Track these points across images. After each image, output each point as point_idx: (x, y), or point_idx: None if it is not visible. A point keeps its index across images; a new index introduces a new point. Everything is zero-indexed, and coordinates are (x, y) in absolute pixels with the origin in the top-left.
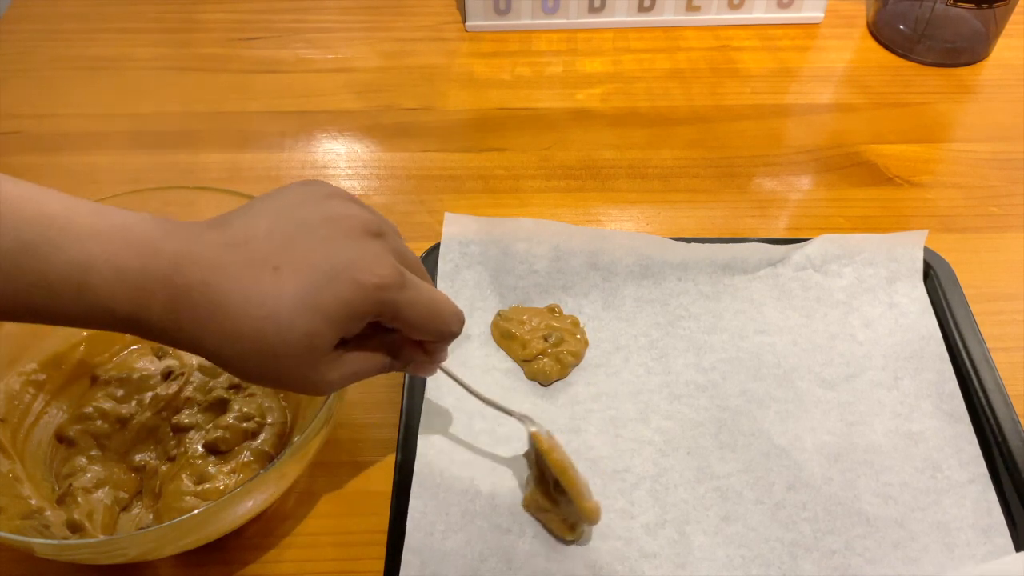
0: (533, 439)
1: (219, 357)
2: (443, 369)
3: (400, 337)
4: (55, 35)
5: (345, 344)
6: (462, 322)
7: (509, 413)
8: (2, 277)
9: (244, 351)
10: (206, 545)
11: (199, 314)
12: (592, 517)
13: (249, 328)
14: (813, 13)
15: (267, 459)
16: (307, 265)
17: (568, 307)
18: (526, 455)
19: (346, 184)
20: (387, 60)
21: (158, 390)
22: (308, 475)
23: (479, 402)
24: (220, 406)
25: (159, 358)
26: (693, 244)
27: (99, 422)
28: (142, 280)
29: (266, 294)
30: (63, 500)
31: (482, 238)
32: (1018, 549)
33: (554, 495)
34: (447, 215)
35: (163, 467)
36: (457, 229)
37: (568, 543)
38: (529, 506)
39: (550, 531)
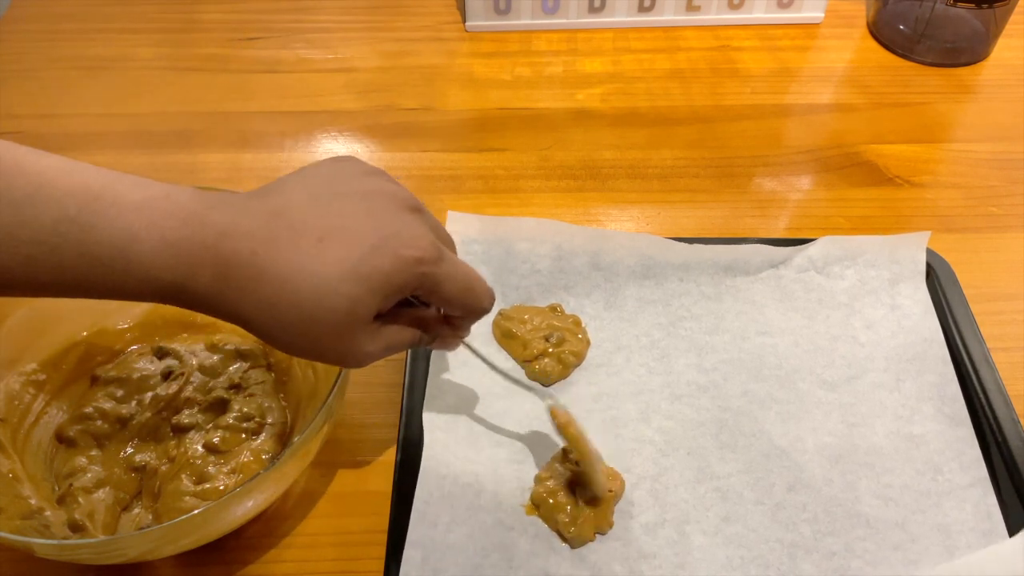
0: (550, 414)
1: (262, 327)
2: (466, 344)
3: (429, 313)
4: (55, 35)
5: (380, 318)
6: (493, 299)
7: (527, 388)
8: (48, 250)
9: (288, 320)
10: (206, 545)
11: (245, 283)
12: (604, 492)
13: (294, 296)
14: (813, 13)
15: (267, 459)
16: (351, 236)
17: (570, 307)
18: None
19: None
20: (387, 60)
21: (158, 390)
22: (308, 475)
23: (480, 403)
24: (220, 406)
25: (159, 358)
26: (695, 245)
27: (99, 422)
28: (189, 249)
29: (312, 263)
30: (63, 500)
31: (485, 237)
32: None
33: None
34: (450, 213)
35: (163, 467)
36: (460, 228)
37: (568, 542)
38: (540, 499)
39: (558, 530)
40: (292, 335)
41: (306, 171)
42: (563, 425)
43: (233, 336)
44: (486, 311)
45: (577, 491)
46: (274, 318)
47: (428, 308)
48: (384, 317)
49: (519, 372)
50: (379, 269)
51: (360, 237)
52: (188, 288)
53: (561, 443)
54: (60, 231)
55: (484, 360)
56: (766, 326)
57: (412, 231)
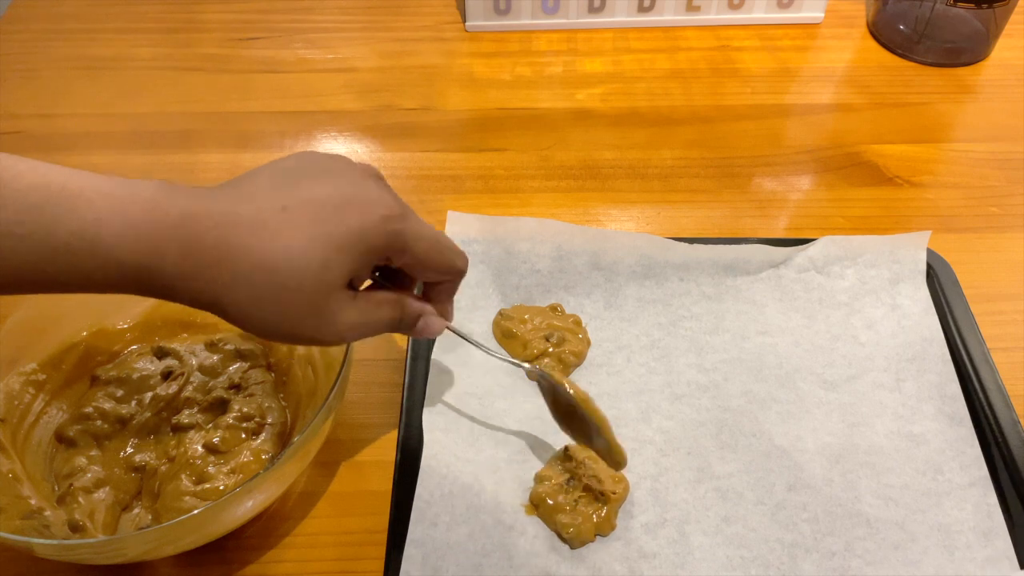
0: (547, 375)
1: (232, 305)
2: (450, 328)
3: (406, 293)
4: (55, 35)
5: (355, 292)
6: (466, 259)
7: (519, 365)
8: (14, 242)
9: (259, 294)
10: (206, 545)
11: (212, 259)
12: (621, 457)
13: (262, 265)
14: (813, 13)
15: (267, 459)
16: (313, 202)
17: (570, 307)
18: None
19: None
20: (387, 60)
21: (158, 390)
22: (308, 475)
23: (480, 403)
24: (220, 406)
25: (159, 358)
26: (695, 245)
27: (99, 422)
28: (153, 232)
29: (278, 230)
30: (63, 500)
31: (485, 237)
32: (1018, 550)
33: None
34: (450, 213)
35: (163, 467)
36: (460, 228)
37: (567, 542)
38: (539, 498)
39: (557, 531)
40: (265, 310)
41: (271, 163)
42: (559, 382)
43: (233, 336)
44: (462, 272)
45: (581, 485)
46: (246, 293)
47: (404, 288)
48: (359, 293)
49: (515, 373)
50: (347, 229)
51: (321, 201)
52: (155, 271)
53: (561, 443)
54: (25, 223)
55: (470, 341)
56: (766, 326)
57: (374, 193)
